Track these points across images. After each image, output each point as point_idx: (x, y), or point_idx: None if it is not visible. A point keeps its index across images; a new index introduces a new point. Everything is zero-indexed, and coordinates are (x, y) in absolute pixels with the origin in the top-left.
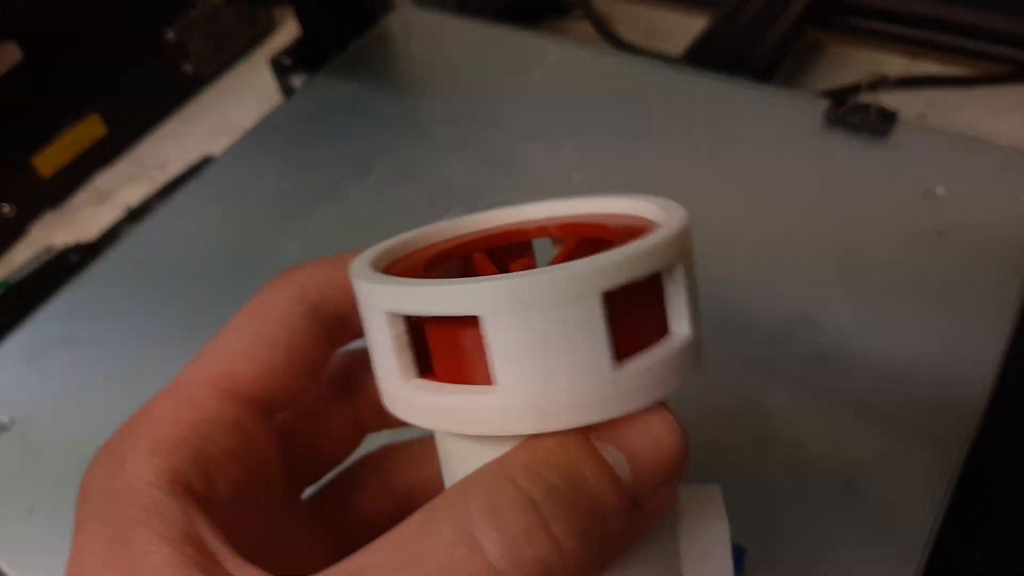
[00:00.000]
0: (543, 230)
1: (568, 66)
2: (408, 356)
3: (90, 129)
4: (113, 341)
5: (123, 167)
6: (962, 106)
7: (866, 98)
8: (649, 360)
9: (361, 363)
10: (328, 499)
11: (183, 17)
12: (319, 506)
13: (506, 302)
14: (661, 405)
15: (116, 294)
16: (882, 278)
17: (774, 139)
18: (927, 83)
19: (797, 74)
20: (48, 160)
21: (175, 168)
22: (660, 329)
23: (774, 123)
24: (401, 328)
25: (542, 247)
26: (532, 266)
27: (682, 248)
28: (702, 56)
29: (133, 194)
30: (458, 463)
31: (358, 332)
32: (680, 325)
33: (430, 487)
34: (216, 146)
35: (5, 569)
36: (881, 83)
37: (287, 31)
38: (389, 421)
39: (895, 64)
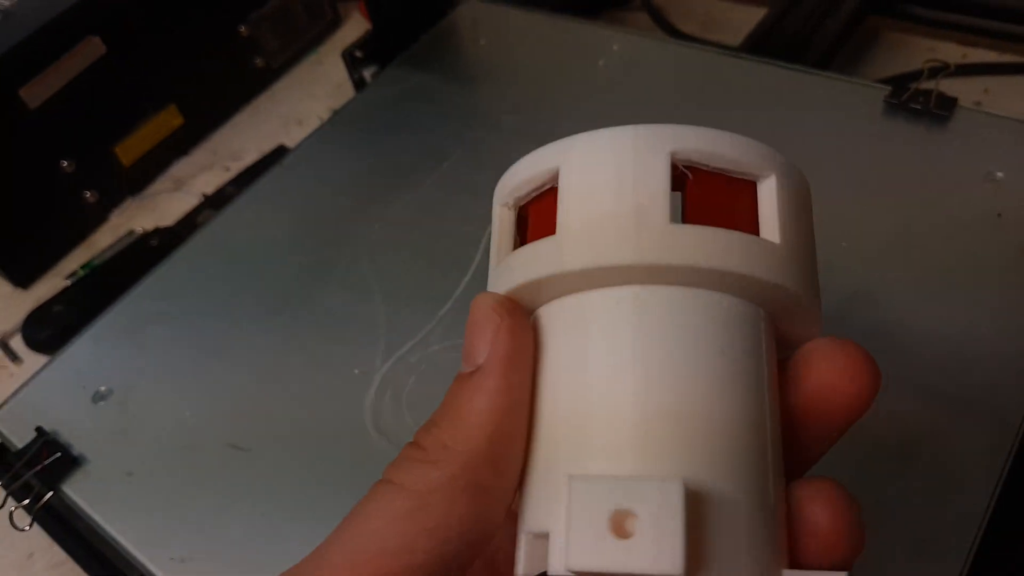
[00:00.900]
0: None
1: (633, 56)
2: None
3: (168, 120)
4: (203, 316)
5: (198, 156)
6: (1018, 93)
7: (925, 85)
8: (716, 234)
9: None
10: None
11: (255, 12)
12: None
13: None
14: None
15: (204, 274)
16: (941, 259)
17: (835, 125)
18: (984, 70)
19: (855, 63)
20: (129, 149)
21: (248, 157)
22: (744, 222)
23: (835, 109)
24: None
25: None
26: None
27: (779, 165)
28: (762, 45)
29: (208, 182)
30: None
31: None
32: (769, 231)
33: None
34: (286, 137)
35: (105, 527)
36: (940, 70)
37: (353, 26)
38: None
39: (950, 51)
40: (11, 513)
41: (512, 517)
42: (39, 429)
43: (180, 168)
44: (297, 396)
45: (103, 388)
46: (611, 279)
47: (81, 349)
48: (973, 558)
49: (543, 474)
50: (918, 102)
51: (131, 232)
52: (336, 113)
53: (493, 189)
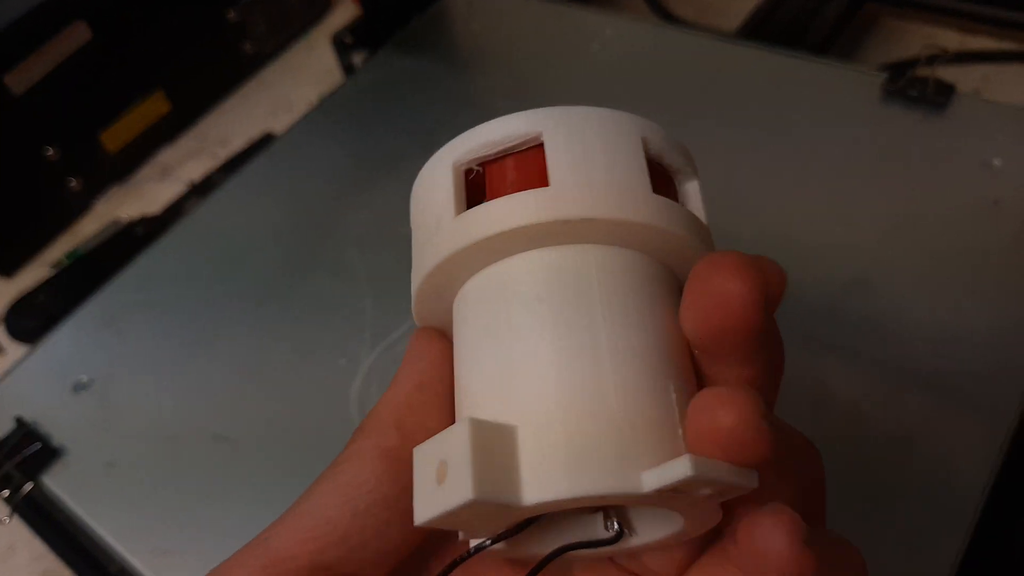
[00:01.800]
0: None
1: (627, 41)
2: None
3: (155, 107)
4: (185, 306)
5: (186, 143)
6: (1017, 81)
7: (923, 71)
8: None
9: None
10: None
11: None
12: None
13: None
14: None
15: (187, 263)
16: (938, 246)
17: (833, 111)
18: (982, 58)
19: (853, 49)
20: (114, 136)
21: (236, 144)
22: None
23: (833, 95)
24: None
25: None
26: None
27: (551, 122)
28: (758, 31)
29: (195, 169)
30: None
31: None
32: (556, 178)
33: None
34: (275, 123)
35: (86, 520)
36: (938, 57)
37: (343, 11)
38: None
39: (949, 39)
40: None
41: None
42: (19, 419)
43: (167, 155)
44: (282, 386)
45: (84, 378)
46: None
47: (62, 339)
48: (967, 547)
49: None
50: (916, 89)
51: (116, 220)
52: (324, 99)
53: None
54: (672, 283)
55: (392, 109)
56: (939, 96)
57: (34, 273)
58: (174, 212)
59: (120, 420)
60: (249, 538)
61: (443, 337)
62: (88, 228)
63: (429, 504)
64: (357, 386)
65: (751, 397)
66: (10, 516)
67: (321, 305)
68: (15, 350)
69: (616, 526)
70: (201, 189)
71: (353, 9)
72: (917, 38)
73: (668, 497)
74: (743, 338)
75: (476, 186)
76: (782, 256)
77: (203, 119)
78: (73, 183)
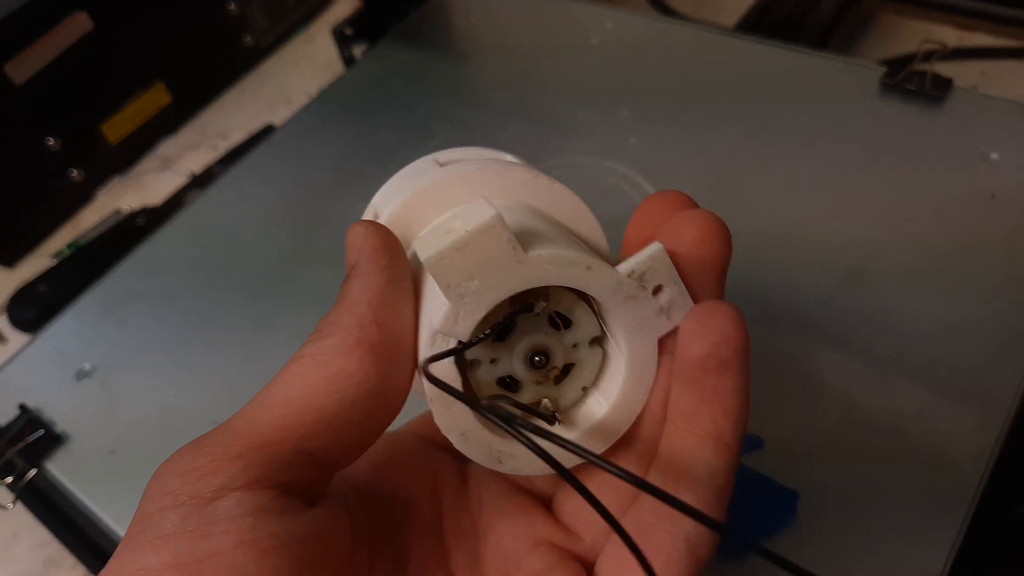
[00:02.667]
0: None
1: (626, 34)
2: None
3: (155, 98)
4: (185, 296)
5: (186, 135)
6: (1014, 77)
7: (921, 66)
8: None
9: None
10: None
11: None
12: None
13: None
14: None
15: (188, 253)
16: (934, 239)
17: (830, 104)
18: (981, 54)
19: (850, 45)
20: (115, 128)
21: (236, 136)
22: None
23: (831, 89)
24: None
25: None
26: None
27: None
28: (756, 25)
29: (196, 161)
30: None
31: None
32: None
33: None
34: (275, 116)
35: (89, 506)
36: (935, 52)
37: (344, 3)
38: None
39: (947, 35)
40: None
41: None
42: (22, 406)
43: (167, 147)
44: None
45: (87, 366)
46: None
47: (64, 327)
48: (963, 539)
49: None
50: (913, 83)
51: (117, 211)
52: (323, 91)
53: None
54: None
55: (391, 101)
56: (936, 90)
57: (35, 263)
58: (174, 203)
59: (122, 407)
60: None
61: (389, 231)
62: (89, 219)
63: (446, 239)
64: None
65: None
66: (13, 502)
67: (320, 295)
68: (17, 339)
69: (553, 413)
70: (201, 181)
71: (354, 2)
72: (915, 34)
73: (632, 298)
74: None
75: None
76: (778, 247)
77: (204, 111)
78: (74, 174)
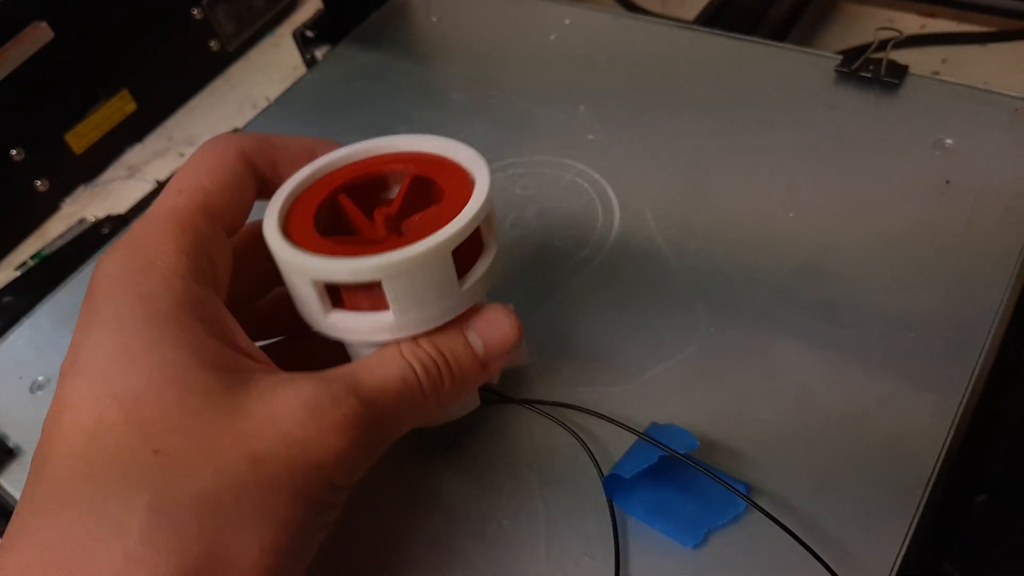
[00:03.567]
0: (386, 173)
1: (585, 30)
2: (326, 298)
3: (120, 106)
4: None
5: (152, 143)
6: (976, 63)
7: (877, 55)
8: (477, 273)
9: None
10: None
11: None
12: None
13: (395, 270)
14: (506, 306)
15: None
16: (889, 227)
17: (787, 94)
18: (940, 40)
19: (811, 35)
20: (80, 136)
21: (203, 143)
22: (479, 249)
23: (787, 79)
24: (321, 284)
25: None
26: (392, 211)
27: (491, 201)
28: (716, 19)
29: (163, 168)
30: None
31: (272, 189)
32: (490, 244)
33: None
34: (242, 121)
35: None
36: (892, 40)
37: (310, 7)
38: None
39: (910, 22)
40: None
41: None
42: None
43: (133, 155)
44: None
45: (41, 378)
46: None
47: (19, 339)
48: (916, 525)
49: None
50: (869, 71)
51: (83, 220)
52: (284, 93)
53: None
54: None
55: (351, 102)
56: (892, 77)
57: (0, 276)
58: (140, 211)
59: None
60: None
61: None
62: (55, 229)
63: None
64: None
65: None
66: None
67: None
68: None
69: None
70: None
71: (319, 6)
72: (877, 22)
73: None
74: None
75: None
76: (736, 238)
77: (170, 118)
78: (39, 184)
